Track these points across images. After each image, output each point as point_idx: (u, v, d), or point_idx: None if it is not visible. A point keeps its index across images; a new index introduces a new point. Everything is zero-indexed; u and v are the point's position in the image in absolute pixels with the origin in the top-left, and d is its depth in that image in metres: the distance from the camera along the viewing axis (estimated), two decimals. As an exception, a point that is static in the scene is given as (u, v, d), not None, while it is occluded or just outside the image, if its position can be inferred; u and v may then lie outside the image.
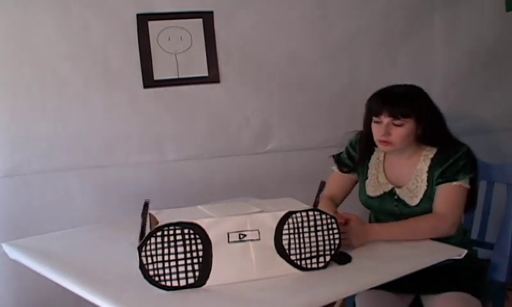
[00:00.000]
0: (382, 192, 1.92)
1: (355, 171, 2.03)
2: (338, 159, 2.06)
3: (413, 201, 1.86)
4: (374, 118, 1.85)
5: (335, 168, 2.07)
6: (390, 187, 1.91)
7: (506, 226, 2.01)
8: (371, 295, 1.81)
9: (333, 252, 1.48)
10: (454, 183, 1.80)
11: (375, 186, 1.95)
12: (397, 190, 1.90)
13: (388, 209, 1.91)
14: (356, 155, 2.02)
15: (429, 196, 1.84)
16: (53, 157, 2.50)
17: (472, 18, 2.93)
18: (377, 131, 1.84)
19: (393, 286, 1.54)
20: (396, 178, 1.92)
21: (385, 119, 1.81)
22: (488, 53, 2.96)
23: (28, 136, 2.47)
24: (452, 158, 1.81)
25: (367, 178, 1.98)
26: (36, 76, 2.47)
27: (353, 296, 1.96)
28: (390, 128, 1.81)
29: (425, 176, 1.86)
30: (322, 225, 1.48)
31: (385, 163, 1.97)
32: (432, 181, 1.84)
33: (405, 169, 1.90)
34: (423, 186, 1.85)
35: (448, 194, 1.81)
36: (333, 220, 1.49)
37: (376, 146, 1.92)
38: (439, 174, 1.83)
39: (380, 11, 2.84)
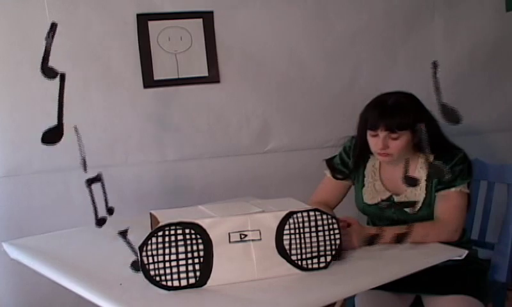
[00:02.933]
0: (379, 200, 1.91)
1: (349, 177, 2.02)
2: (331, 164, 2.05)
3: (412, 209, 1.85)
4: (370, 132, 1.83)
5: (327, 173, 2.06)
6: (387, 194, 1.91)
7: (506, 226, 2.02)
8: (371, 295, 1.80)
9: (333, 252, 1.48)
10: (453, 189, 1.80)
11: (372, 194, 1.94)
12: (395, 198, 1.89)
13: (386, 216, 1.90)
14: (350, 161, 2.00)
15: (428, 203, 1.84)
16: (53, 157, 2.50)
17: (472, 18, 2.93)
18: (374, 144, 1.83)
19: (393, 286, 1.53)
20: (393, 186, 1.91)
21: (382, 133, 1.79)
22: (488, 53, 2.96)
23: (28, 136, 2.47)
24: (449, 164, 1.81)
25: (363, 185, 1.97)
26: (36, 76, 2.46)
27: (353, 296, 1.96)
28: (388, 141, 1.79)
29: (423, 184, 1.85)
30: (323, 225, 1.48)
31: (381, 170, 1.96)
32: (431, 189, 1.84)
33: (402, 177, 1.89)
34: (421, 194, 1.85)
35: (449, 201, 1.81)
36: (334, 220, 1.49)
37: (371, 154, 1.91)
38: (437, 181, 1.82)
39: (380, 11, 2.84)
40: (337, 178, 2.03)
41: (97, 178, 1.48)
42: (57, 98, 1.39)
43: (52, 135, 1.37)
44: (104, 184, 1.49)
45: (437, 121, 1.88)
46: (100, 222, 1.47)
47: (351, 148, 2.00)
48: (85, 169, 1.46)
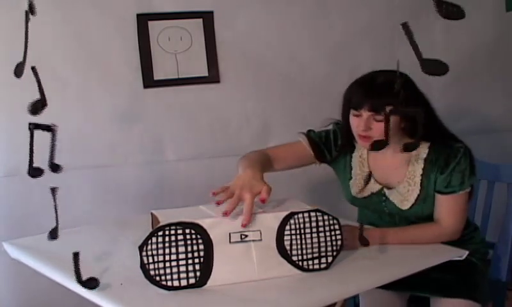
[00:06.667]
0: (369, 193, 1.83)
1: (323, 154, 1.92)
2: (310, 137, 1.94)
3: (404, 204, 1.76)
4: (353, 111, 1.71)
5: (302, 140, 1.94)
6: (377, 187, 1.81)
7: (506, 225, 2.02)
8: (375, 294, 1.79)
9: (334, 253, 1.48)
10: (460, 192, 1.70)
11: (360, 187, 1.83)
12: (387, 192, 1.80)
13: (376, 208, 1.84)
14: (333, 149, 1.91)
15: (422, 199, 1.74)
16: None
17: (471, 18, 2.91)
18: (356, 125, 1.71)
19: (392, 285, 1.51)
20: (384, 178, 1.81)
21: (365, 114, 1.67)
22: (487, 53, 2.97)
23: (28, 136, 2.46)
24: (453, 162, 1.70)
25: (350, 178, 1.88)
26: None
27: (354, 297, 1.96)
28: (371, 122, 1.66)
29: (418, 178, 1.74)
30: (324, 226, 1.47)
31: (370, 161, 1.85)
32: (428, 185, 1.73)
33: (394, 169, 1.78)
34: (415, 189, 1.74)
35: (453, 205, 1.72)
36: (335, 221, 1.48)
37: (357, 142, 1.80)
38: (442, 182, 1.71)
39: (380, 11, 2.85)
40: (312, 144, 1.92)
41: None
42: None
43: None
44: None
45: (432, 105, 1.77)
46: (53, 234, 1.46)
47: (341, 134, 1.91)
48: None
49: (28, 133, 2.53)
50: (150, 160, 2.66)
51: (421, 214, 1.77)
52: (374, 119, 1.67)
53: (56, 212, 1.46)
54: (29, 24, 2.52)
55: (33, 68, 1.40)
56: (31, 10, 1.36)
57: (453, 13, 1.28)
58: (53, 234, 1.47)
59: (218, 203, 1.47)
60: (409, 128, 1.71)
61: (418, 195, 1.75)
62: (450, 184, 1.71)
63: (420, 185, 1.75)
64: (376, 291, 1.75)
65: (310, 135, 1.95)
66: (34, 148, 2.45)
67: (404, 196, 1.77)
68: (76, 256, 1.32)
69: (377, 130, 1.65)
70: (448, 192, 1.72)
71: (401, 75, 1.62)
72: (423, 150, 1.76)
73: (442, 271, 1.64)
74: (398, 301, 1.85)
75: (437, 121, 1.77)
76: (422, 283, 1.73)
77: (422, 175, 1.74)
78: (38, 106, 1.37)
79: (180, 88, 2.65)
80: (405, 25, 1.32)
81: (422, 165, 1.75)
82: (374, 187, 1.83)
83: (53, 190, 1.45)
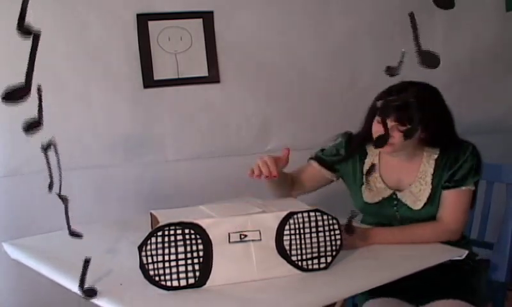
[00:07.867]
0: (381, 198, 1.85)
1: (335, 166, 1.97)
2: (318, 156, 2.01)
3: (416, 204, 1.79)
4: (378, 118, 1.76)
5: (313, 162, 2.02)
6: (389, 192, 1.84)
7: (506, 225, 2.01)
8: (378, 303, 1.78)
9: (334, 253, 1.48)
10: (463, 188, 1.75)
11: (372, 192, 1.87)
12: (399, 194, 1.82)
13: (388, 214, 1.85)
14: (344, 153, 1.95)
15: (433, 198, 1.78)
16: (53, 157, 2.50)
17: (472, 18, 2.93)
18: (377, 130, 1.76)
19: (396, 293, 1.50)
20: (395, 182, 1.84)
21: (390, 123, 1.70)
22: (488, 53, 2.97)
23: (28, 136, 2.47)
24: (462, 159, 1.75)
25: (362, 183, 1.90)
26: (36, 76, 2.46)
27: (353, 297, 1.96)
28: (393, 131, 1.71)
29: (429, 178, 1.79)
30: (323, 226, 1.47)
31: (381, 167, 1.89)
32: (438, 184, 1.77)
33: (405, 172, 1.82)
34: (427, 189, 1.78)
35: (456, 201, 1.75)
36: (334, 221, 1.48)
37: (369, 148, 1.86)
38: (448, 176, 1.76)
39: (380, 11, 2.85)
40: (323, 163, 1.99)
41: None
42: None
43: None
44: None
45: (452, 118, 1.82)
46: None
47: (346, 144, 1.96)
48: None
49: (28, 134, 2.53)
50: (150, 160, 2.66)
51: (432, 216, 1.79)
52: (396, 129, 1.72)
53: (67, 214, 1.46)
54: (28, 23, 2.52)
55: (36, 36, 1.37)
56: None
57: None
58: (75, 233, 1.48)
59: (255, 175, 1.82)
60: (429, 138, 1.78)
61: (430, 194, 1.78)
62: (453, 178, 1.76)
63: (431, 185, 1.79)
64: (381, 300, 1.72)
65: (318, 156, 2.03)
66: (35, 148, 2.45)
67: (417, 196, 1.80)
68: (86, 263, 1.33)
69: (398, 138, 1.72)
70: (452, 186, 1.76)
71: (432, 90, 1.78)
72: (434, 152, 1.81)
73: (435, 274, 1.64)
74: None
75: (453, 133, 1.83)
76: (413, 287, 1.70)
77: (432, 175, 1.79)
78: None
79: (180, 88, 2.66)
80: (411, 15, 1.33)
81: (433, 166, 1.80)
82: (385, 192, 1.85)
83: (64, 199, 1.45)
